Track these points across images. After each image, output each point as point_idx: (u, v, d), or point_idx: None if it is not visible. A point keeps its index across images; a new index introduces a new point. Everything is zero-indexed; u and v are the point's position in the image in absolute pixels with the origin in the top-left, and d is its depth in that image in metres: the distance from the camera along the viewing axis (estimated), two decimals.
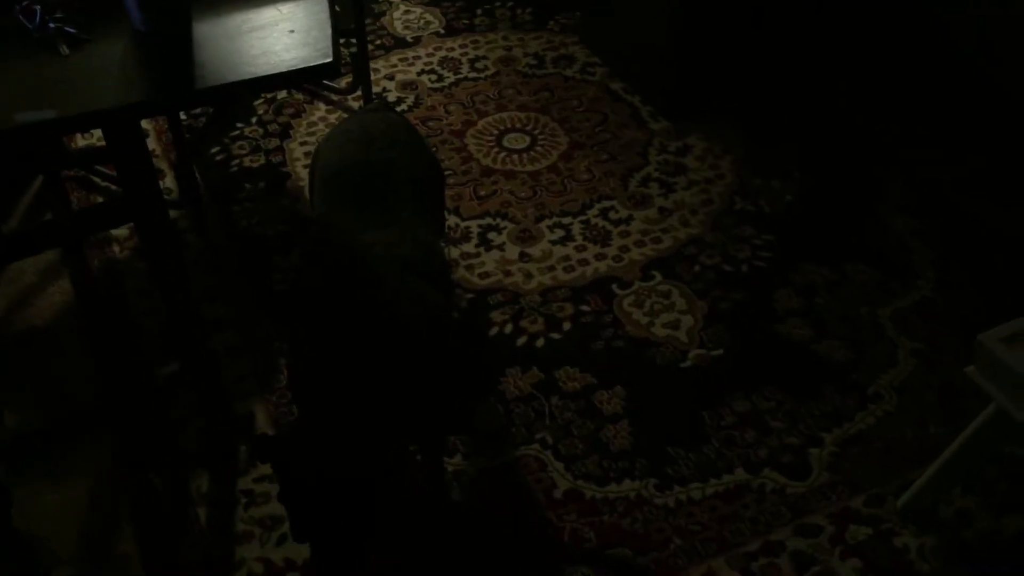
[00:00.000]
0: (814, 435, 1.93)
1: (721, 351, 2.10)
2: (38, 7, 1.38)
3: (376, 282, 1.55)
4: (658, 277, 2.27)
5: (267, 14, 1.44)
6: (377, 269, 1.56)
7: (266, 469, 1.86)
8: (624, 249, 2.34)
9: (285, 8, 1.41)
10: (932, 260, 2.28)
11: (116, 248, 2.31)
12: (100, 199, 2.41)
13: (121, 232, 2.34)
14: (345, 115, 2.67)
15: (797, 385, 2.02)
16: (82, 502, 1.81)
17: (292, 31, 1.41)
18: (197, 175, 2.49)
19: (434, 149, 2.58)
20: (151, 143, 2.59)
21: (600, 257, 2.32)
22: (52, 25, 1.38)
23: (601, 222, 2.41)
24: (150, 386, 1.94)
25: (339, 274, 1.58)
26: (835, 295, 2.22)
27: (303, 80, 1.91)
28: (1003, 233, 2.34)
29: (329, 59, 1.36)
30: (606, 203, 2.46)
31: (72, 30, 1.38)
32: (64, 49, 1.36)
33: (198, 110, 2.69)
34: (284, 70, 1.34)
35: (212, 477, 1.85)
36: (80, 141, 2.57)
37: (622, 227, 2.39)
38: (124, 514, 1.79)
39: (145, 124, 2.64)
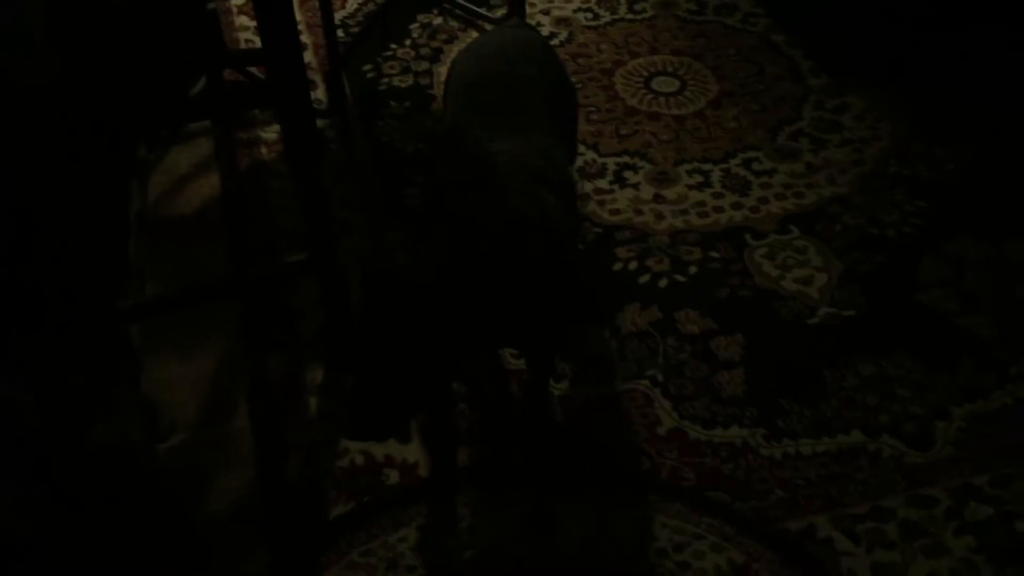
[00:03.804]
0: (943, 407, 1.82)
1: (853, 312, 2.00)
2: None
3: (500, 186, 1.55)
4: (795, 232, 2.17)
5: None
6: (501, 174, 1.56)
7: None
8: (763, 200, 2.25)
9: None
10: None
11: (264, 150, 2.40)
12: None
13: (270, 135, 2.42)
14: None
15: (931, 355, 1.91)
16: (203, 377, 1.90)
17: None
18: (347, 88, 2.55)
19: (579, 85, 2.55)
20: (307, 56, 2.67)
21: (737, 206, 2.24)
22: None
23: (743, 171, 2.33)
24: (277, 274, 2.02)
25: (464, 177, 1.59)
26: (989, 271, 2.07)
27: None
28: None
29: None
30: (750, 153, 2.37)
31: None
32: None
33: (354, 27, 2.76)
34: None
35: (327, 371, 1.90)
36: (243, 46, 2.67)
37: (764, 178, 2.31)
38: (240, 392, 1.87)
39: (303, 38, 2.73)
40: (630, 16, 2.81)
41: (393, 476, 1.74)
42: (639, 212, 2.23)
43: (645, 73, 2.61)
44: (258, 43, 2.66)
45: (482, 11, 2.79)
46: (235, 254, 2.13)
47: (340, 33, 2.71)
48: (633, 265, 2.11)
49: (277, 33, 1.56)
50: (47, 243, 1.67)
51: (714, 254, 2.13)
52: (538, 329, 1.63)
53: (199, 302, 1.92)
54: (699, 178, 2.31)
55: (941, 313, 1.99)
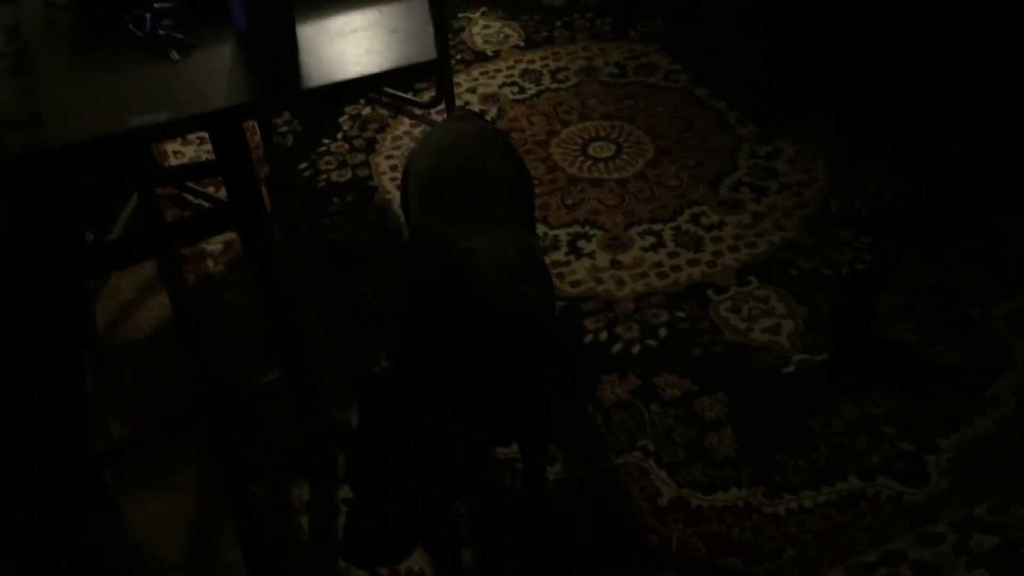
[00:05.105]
0: (929, 440, 1.85)
1: (825, 355, 2.03)
2: (148, 15, 1.40)
3: (480, 286, 1.53)
4: (755, 282, 2.21)
5: (369, 15, 1.44)
6: (480, 273, 1.55)
7: None
8: (718, 254, 2.28)
9: (387, 9, 1.41)
10: None
11: (211, 263, 2.34)
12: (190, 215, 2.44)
13: (215, 247, 2.36)
14: (429, 129, 2.67)
15: (908, 389, 1.94)
16: (186, 510, 1.81)
17: (394, 30, 1.40)
18: (287, 189, 2.51)
19: None
20: None
21: (693, 263, 2.27)
22: (162, 32, 1.40)
23: (692, 228, 2.36)
24: (245, 394, 1.95)
25: (441, 280, 1.57)
26: (943, 296, 2.14)
27: (409, 78, 1.93)
28: None
29: (433, 56, 1.35)
30: (696, 208, 2.41)
31: (181, 36, 1.40)
32: (174, 55, 1.38)
33: (285, 127, 2.73)
34: (388, 68, 1.34)
35: (312, 485, 1.84)
36: (172, 160, 2.62)
37: (714, 232, 2.34)
38: (226, 521, 1.79)
39: None
40: (555, 85, 2.85)
41: None
42: (599, 281, 2.23)
43: (580, 140, 2.64)
44: (187, 155, 2.61)
45: (409, 96, 2.79)
46: (195, 377, 2.05)
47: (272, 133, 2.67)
48: (603, 335, 2.11)
49: (231, 156, 1.53)
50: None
51: (680, 314, 2.14)
52: (534, 414, 1.61)
53: (168, 435, 1.84)
54: (652, 239, 2.33)
55: (907, 345, 2.04)
